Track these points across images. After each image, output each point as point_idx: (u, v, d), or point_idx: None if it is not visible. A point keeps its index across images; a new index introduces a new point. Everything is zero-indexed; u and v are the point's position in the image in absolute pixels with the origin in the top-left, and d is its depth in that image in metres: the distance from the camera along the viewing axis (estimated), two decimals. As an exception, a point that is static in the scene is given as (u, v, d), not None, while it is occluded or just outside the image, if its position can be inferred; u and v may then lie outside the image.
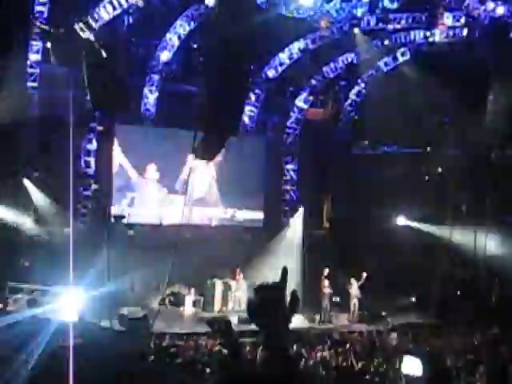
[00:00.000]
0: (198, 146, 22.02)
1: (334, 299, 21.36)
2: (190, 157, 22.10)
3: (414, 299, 23.38)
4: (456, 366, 12.36)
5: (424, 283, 22.53)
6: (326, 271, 21.21)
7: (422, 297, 22.92)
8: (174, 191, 23.08)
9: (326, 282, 21.05)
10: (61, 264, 19.38)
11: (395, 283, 22.02)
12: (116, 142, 22.49)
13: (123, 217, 22.10)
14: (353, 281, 21.22)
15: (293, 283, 22.53)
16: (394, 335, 17.08)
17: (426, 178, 25.74)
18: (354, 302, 21.24)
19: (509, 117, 21.45)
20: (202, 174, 23.64)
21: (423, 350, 12.88)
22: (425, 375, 2.72)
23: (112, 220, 21.87)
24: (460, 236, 23.08)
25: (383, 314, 21.02)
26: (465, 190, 23.45)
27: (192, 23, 21.96)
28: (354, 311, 21.25)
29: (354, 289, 21.22)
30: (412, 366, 2.86)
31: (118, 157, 22.53)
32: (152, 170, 22.88)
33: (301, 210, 25.01)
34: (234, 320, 19.97)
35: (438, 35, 21.95)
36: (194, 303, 21.50)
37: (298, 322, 17.96)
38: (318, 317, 20.67)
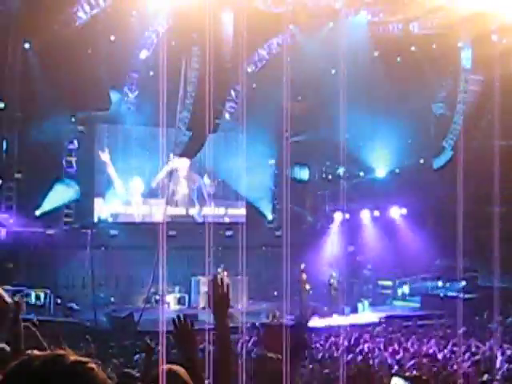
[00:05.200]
0: (180, 144, 22.06)
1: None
2: (171, 155, 22.14)
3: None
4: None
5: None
6: (303, 266, 21.25)
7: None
8: (154, 191, 23.07)
9: (304, 277, 21.08)
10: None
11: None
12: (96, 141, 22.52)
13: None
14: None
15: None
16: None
17: None
18: None
19: None
20: (182, 172, 23.62)
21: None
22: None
23: (95, 220, 21.91)
24: None
25: None
26: None
27: (170, 21, 21.85)
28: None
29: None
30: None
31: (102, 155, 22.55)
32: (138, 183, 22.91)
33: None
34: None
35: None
36: (179, 301, 21.53)
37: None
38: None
